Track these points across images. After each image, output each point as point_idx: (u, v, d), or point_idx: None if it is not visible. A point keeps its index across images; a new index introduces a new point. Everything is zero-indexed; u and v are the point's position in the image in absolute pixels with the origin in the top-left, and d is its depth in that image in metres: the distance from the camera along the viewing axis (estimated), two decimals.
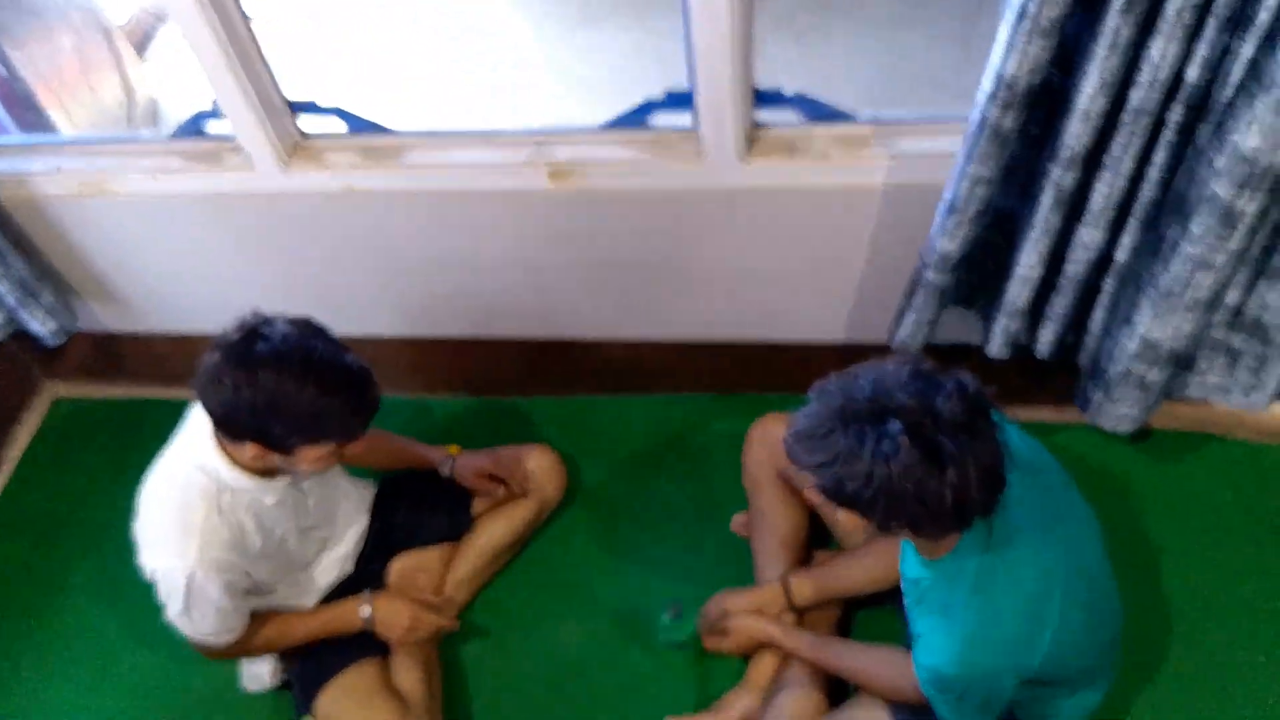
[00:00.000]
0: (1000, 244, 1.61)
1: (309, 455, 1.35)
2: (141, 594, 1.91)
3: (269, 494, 1.47)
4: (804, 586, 1.64)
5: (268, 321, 1.32)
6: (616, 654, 1.83)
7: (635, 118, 1.72)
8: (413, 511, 1.86)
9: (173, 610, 1.48)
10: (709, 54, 1.50)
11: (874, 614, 1.77)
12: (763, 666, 1.66)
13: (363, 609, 1.65)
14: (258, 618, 1.60)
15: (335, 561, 1.78)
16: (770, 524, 1.75)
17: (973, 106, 1.39)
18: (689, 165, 1.68)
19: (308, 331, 1.33)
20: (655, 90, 1.68)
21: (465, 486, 1.85)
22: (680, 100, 1.65)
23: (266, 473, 1.45)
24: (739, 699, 1.65)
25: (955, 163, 1.47)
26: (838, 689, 1.62)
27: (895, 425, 1.06)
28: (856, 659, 1.53)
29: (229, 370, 1.27)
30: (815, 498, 1.19)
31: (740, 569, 1.80)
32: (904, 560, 1.37)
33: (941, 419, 1.06)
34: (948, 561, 1.24)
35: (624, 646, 1.84)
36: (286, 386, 1.26)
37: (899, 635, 1.72)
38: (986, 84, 1.34)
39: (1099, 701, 1.50)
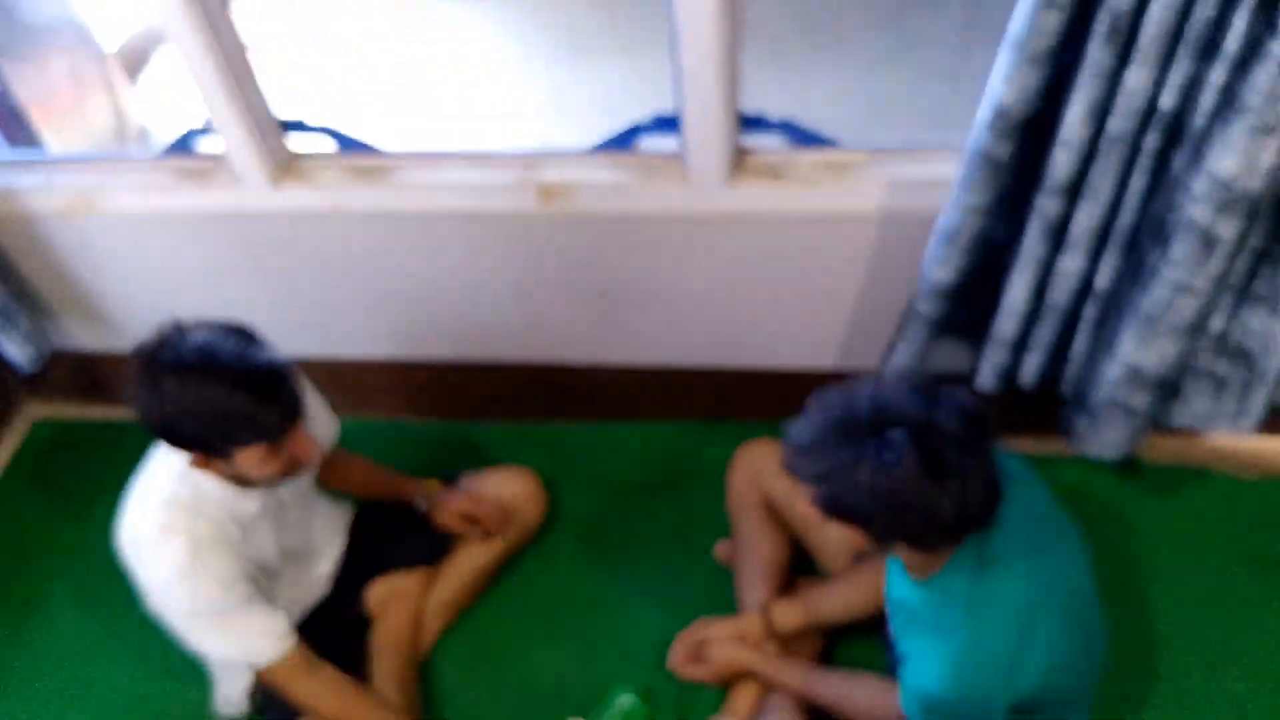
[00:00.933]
0: (992, 274, 1.62)
1: (246, 460, 1.33)
2: (119, 615, 1.91)
3: (249, 501, 1.46)
4: (785, 613, 1.63)
5: (180, 328, 1.32)
6: (595, 684, 1.80)
7: (623, 141, 1.74)
8: (391, 535, 1.83)
9: (209, 645, 1.48)
10: (696, 77, 1.52)
11: (857, 643, 1.75)
12: (744, 694, 1.64)
13: None
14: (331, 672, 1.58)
15: (315, 581, 1.75)
16: (753, 550, 1.74)
17: (968, 135, 1.41)
18: (675, 188, 1.70)
19: (219, 335, 1.31)
20: (643, 114, 1.71)
21: (443, 525, 1.83)
22: (667, 124, 1.67)
23: (241, 481, 1.44)
24: None
25: (950, 192, 1.48)
26: (819, 719, 1.60)
27: (897, 434, 1.06)
28: (839, 688, 1.52)
29: (139, 380, 1.27)
30: (812, 512, 1.18)
31: (723, 597, 1.79)
32: (890, 583, 1.37)
33: (942, 431, 1.06)
34: (937, 581, 1.23)
35: (604, 676, 1.81)
36: (190, 390, 1.26)
37: (881, 666, 1.71)
38: (983, 113, 1.36)
39: None
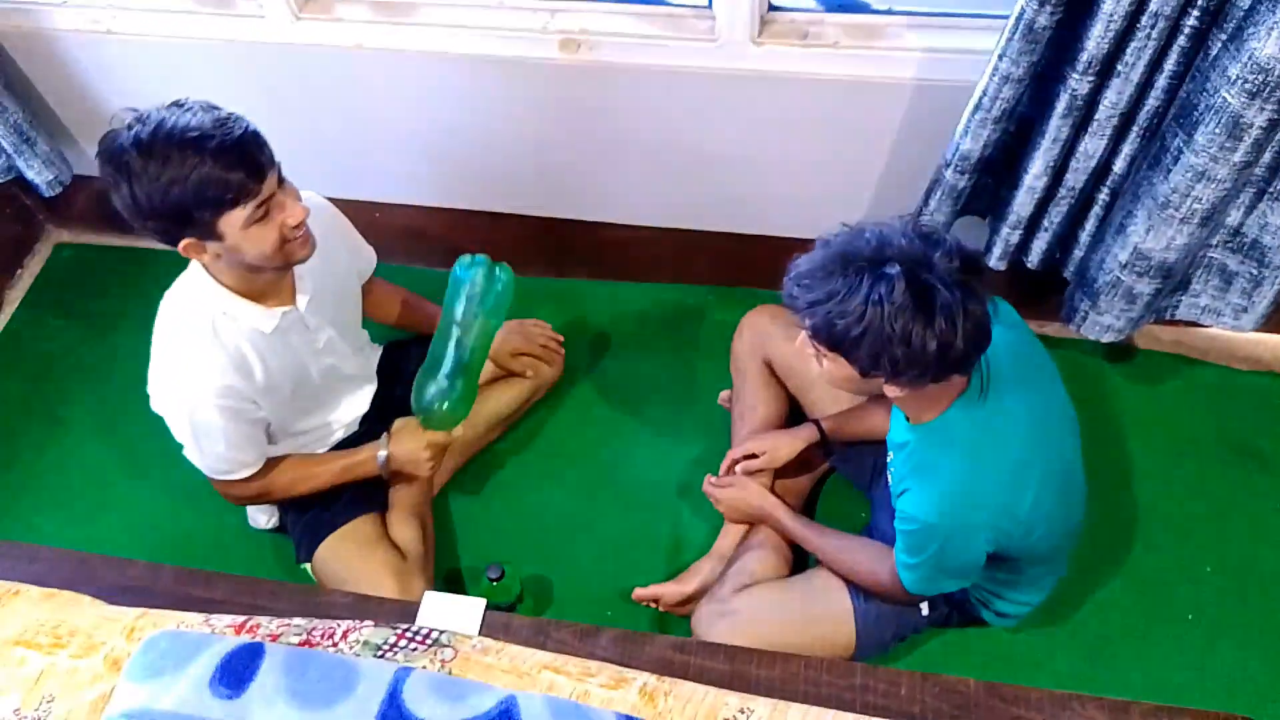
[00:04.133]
0: (1015, 152, 1.62)
1: (231, 229, 1.32)
2: (139, 432, 1.98)
3: (264, 321, 1.48)
4: (830, 426, 1.69)
5: (138, 114, 1.30)
6: (595, 520, 1.90)
7: None
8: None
9: (186, 447, 1.53)
10: None
11: (837, 501, 1.85)
12: (730, 537, 1.74)
13: (379, 454, 1.68)
14: (277, 460, 1.64)
15: (352, 406, 1.80)
16: (753, 409, 1.80)
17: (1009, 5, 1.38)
18: (700, 44, 1.67)
19: (175, 111, 1.29)
20: None
21: (503, 368, 1.91)
22: None
23: (258, 296, 1.46)
24: (703, 566, 1.73)
25: (986, 62, 1.46)
26: (799, 558, 1.70)
27: (894, 269, 1.10)
28: (842, 544, 1.59)
29: (110, 172, 1.28)
30: (805, 347, 1.24)
31: (720, 448, 1.86)
32: (893, 427, 1.43)
33: (937, 271, 1.11)
34: (937, 424, 1.29)
35: (603, 514, 1.91)
36: (154, 165, 1.26)
37: (857, 519, 1.82)
38: None
39: (1042, 599, 1.59)
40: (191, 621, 1.23)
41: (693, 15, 1.69)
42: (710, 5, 1.65)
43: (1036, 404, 1.33)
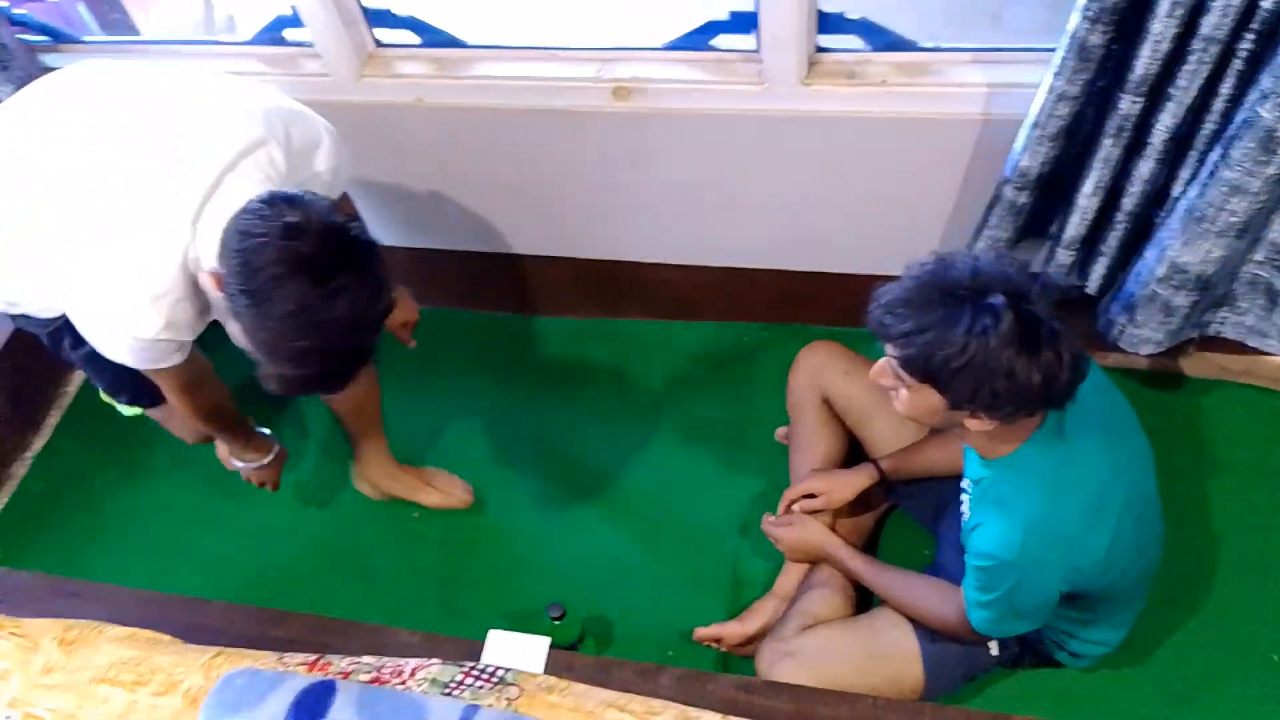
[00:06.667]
0: (1069, 172, 1.61)
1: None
2: (212, 478, 2.05)
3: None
4: (890, 465, 1.67)
5: (274, 241, 1.17)
6: (654, 560, 1.91)
7: (698, 37, 1.74)
8: None
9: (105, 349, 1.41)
10: None
11: (900, 539, 1.83)
12: (791, 576, 1.73)
13: (240, 466, 1.81)
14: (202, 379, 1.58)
15: None
16: (810, 445, 1.79)
17: (1059, 35, 1.39)
18: (749, 87, 1.70)
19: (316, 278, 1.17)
20: (717, 12, 1.70)
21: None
22: (743, 20, 1.67)
23: None
24: (765, 606, 1.72)
25: (1037, 90, 1.47)
26: (862, 598, 1.68)
27: (998, 299, 1.09)
28: (907, 582, 1.56)
29: (223, 259, 1.21)
30: (885, 377, 1.22)
31: (775, 482, 1.86)
32: (966, 461, 1.41)
33: (1038, 304, 1.10)
34: (1013, 459, 1.27)
35: (662, 553, 1.91)
36: (261, 328, 1.19)
37: (921, 556, 1.79)
38: None
39: (1119, 639, 1.55)
40: (266, 659, 1.26)
41: (740, 60, 1.72)
42: (758, 50, 1.68)
43: (1113, 438, 1.29)
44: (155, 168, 1.31)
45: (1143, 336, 1.68)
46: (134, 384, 1.66)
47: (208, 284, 1.29)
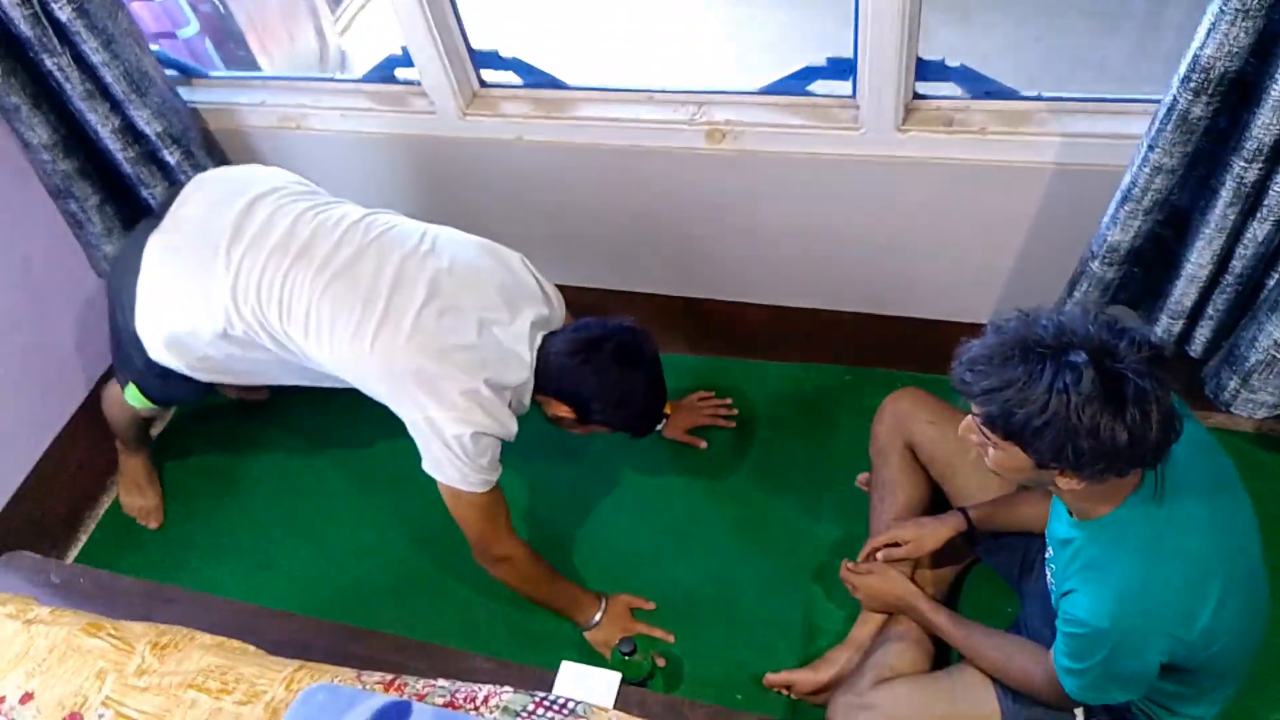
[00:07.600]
0: (1170, 240, 1.57)
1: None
2: (305, 495, 2.12)
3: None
4: (978, 515, 1.63)
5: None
6: (728, 600, 1.89)
7: (794, 82, 1.76)
8: None
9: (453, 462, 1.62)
10: (876, 20, 1.52)
11: (982, 594, 1.78)
12: (868, 626, 1.69)
13: (588, 629, 1.86)
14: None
15: None
16: (892, 493, 1.76)
17: (1159, 91, 1.36)
18: (845, 132, 1.71)
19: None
20: (813, 59, 1.72)
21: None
22: (841, 67, 1.68)
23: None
24: (839, 655, 1.69)
25: (1135, 150, 1.44)
26: (940, 653, 1.64)
27: (1080, 356, 1.06)
28: (992, 640, 1.51)
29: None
30: (973, 433, 1.19)
31: (854, 528, 1.83)
32: (1053, 522, 1.36)
33: (1125, 360, 1.06)
34: (1108, 520, 1.22)
35: (736, 594, 1.90)
36: (598, 398, 1.67)
37: (1004, 613, 1.73)
38: (1182, 67, 1.31)
39: (1215, 714, 1.46)
40: (345, 676, 1.29)
41: (836, 105, 1.73)
42: (854, 95, 1.69)
43: (1218, 504, 1.23)
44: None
45: (1259, 401, 1.62)
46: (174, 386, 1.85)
47: (562, 411, 1.69)
